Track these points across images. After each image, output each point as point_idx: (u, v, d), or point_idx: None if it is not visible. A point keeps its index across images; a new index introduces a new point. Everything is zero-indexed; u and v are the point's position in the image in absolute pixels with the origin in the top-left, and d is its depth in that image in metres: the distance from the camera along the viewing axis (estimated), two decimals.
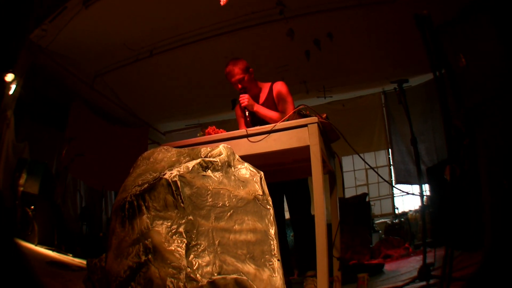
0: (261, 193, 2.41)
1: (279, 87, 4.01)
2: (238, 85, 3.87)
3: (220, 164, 2.34)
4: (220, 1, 4.75)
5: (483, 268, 3.03)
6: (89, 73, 7.93)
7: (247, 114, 3.76)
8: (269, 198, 2.45)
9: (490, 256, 3.20)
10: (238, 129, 3.30)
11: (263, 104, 3.95)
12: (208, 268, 2.00)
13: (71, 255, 5.74)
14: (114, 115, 9.29)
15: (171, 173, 2.14)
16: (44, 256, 5.18)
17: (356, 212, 6.65)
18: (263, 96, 4.06)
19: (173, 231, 2.04)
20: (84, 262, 4.56)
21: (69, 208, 8.20)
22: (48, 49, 6.64)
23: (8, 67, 5.41)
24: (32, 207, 5.89)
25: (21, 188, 6.09)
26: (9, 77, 5.55)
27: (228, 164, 2.40)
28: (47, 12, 5.83)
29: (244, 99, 3.73)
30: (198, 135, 3.35)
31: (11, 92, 5.73)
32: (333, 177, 3.74)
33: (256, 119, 3.83)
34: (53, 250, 5.57)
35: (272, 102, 3.97)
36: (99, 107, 8.82)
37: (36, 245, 5.52)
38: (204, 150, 2.44)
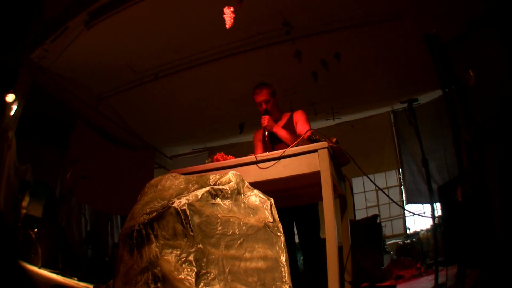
0: (271, 220, 2.41)
1: (299, 115, 4.22)
2: (262, 105, 4.12)
3: (229, 192, 2.34)
4: (225, 24, 4.74)
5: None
6: (93, 95, 7.89)
7: (266, 134, 3.98)
8: (280, 224, 2.45)
9: (495, 268, 3.17)
10: (246, 154, 3.27)
11: None
12: None
13: (76, 278, 5.66)
14: (119, 138, 9.16)
15: (179, 202, 2.13)
16: (48, 279, 5.11)
17: (367, 234, 6.59)
18: (282, 123, 4.20)
19: (182, 259, 2.03)
20: (90, 286, 4.50)
21: (74, 232, 8.11)
22: (51, 69, 6.58)
23: (8, 87, 5.40)
24: (36, 229, 5.83)
25: (24, 211, 6.04)
26: (10, 97, 5.52)
27: (238, 192, 2.41)
28: (48, 32, 5.80)
29: (265, 119, 3.96)
30: (206, 161, 3.37)
31: (12, 112, 5.68)
32: (343, 201, 3.71)
33: (274, 140, 4.04)
34: (57, 273, 5.49)
35: (292, 130, 4.09)
36: (103, 129, 8.71)
37: (39, 268, 5.44)
38: (213, 177, 2.44)
